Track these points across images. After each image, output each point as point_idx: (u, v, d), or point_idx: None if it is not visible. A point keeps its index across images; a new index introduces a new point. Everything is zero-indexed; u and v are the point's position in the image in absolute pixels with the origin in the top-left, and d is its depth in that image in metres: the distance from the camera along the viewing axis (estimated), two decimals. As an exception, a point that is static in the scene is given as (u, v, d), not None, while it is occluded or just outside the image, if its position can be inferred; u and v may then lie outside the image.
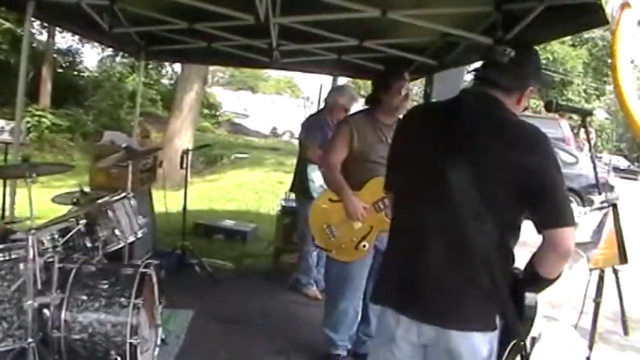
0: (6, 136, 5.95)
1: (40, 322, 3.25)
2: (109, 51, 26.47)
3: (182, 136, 13.97)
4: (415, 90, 19.45)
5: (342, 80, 12.34)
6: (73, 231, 3.75)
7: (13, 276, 3.23)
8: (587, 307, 3.41)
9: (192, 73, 14.42)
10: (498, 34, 4.61)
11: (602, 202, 3.26)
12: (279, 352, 4.49)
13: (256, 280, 6.33)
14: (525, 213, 2.19)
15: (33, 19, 5.10)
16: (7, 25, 20.14)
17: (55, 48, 23.89)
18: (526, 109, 2.37)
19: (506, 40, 2.48)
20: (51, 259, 3.32)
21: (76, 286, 3.35)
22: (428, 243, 2.20)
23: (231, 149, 21.39)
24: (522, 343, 2.19)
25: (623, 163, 33.90)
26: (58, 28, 20.31)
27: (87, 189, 5.22)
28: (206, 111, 27.28)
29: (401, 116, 2.68)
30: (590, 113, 3.45)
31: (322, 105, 6.27)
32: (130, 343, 3.28)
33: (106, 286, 3.38)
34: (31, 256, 3.16)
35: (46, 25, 20.86)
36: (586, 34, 34.44)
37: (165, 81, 29.89)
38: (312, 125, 5.78)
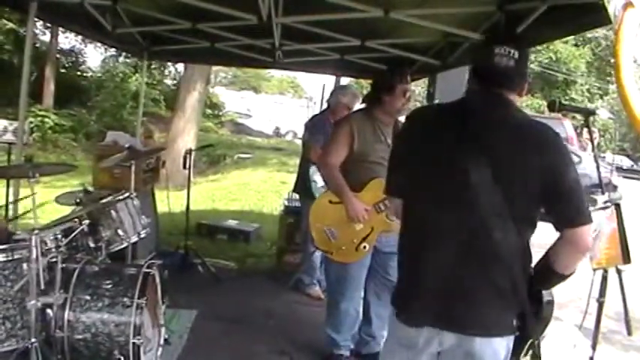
0: (9, 137, 5.95)
1: (43, 322, 3.26)
2: (112, 51, 26.51)
3: (185, 136, 13.98)
4: (418, 90, 19.47)
5: (344, 80, 12.35)
6: (77, 231, 3.75)
7: (17, 276, 3.24)
8: (590, 307, 3.41)
9: (195, 73, 14.42)
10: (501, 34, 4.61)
11: (606, 202, 3.25)
12: (282, 352, 4.48)
13: (259, 280, 6.33)
14: (541, 213, 2.18)
15: (36, 19, 5.11)
16: (10, 25, 20.23)
17: (58, 48, 23.94)
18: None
19: (495, 37, 2.38)
20: (54, 259, 3.33)
21: (79, 286, 3.35)
22: (449, 247, 2.15)
23: (234, 149, 21.40)
24: (537, 341, 2.20)
25: (626, 162, 33.83)
26: (60, 29, 20.38)
27: (90, 189, 5.22)
28: (209, 111, 27.28)
29: (403, 117, 2.61)
30: (593, 113, 3.44)
31: (325, 105, 6.26)
32: (133, 343, 3.28)
33: (109, 286, 3.39)
34: (34, 256, 3.17)
35: (49, 25, 20.90)
36: (589, 34, 34.34)
37: (168, 81, 29.91)
38: (315, 126, 5.77)
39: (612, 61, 1.58)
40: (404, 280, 2.34)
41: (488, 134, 2.14)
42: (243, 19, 5.11)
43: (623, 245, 3.13)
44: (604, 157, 26.39)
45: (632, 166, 34.19)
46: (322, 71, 8.62)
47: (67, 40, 26.06)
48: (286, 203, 6.97)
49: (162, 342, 3.90)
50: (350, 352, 4.33)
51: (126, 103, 21.88)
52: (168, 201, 6.72)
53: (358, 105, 5.63)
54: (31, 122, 16.82)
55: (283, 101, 40.25)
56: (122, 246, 4.23)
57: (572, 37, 30.55)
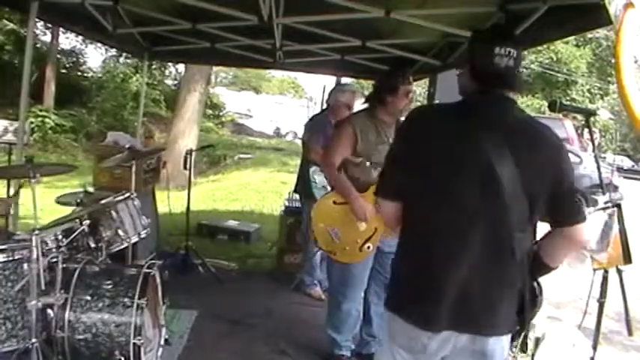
0: (10, 137, 5.96)
1: (44, 322, 3.26)
2: (113, 51, 26.50)
3: (186, 137, 13.99)
4: (418, 91, 19.45)
5: (345, 81, 12.35)
6: (77, 231, 3.75)
7: (17, 276, 3.24)
8: (591, 307, 3.41)
9: (196, 73, 14.44)
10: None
11: (606, 203, 3.25)
12: (283, 352, 4.49)
13: (260, 281, 6.33)
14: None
15: (37, 19, 5.11)
16: (11, 25, 20.25)
17: (59, 49, 23.94)
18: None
19: (494, 36, 2.34)
20: (55, 260, 3.33)
21: (80, 287, 3.35)
22: (467, 248, 2.13)
23: (235, 150, 21.42)
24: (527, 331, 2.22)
25: (627, 163, 33.82)
26: (61, 29, 20.39)
27: (90, 189, 5.23)
28: (209, 111, 27.31)
29: (402, 118, 2.53)
30: (593, 113, 3.44)
31: (325, 105, 6.26)
32: (134, 344, 3.28)
33: (110, 287, 3.39)
34: (34, 256, 3.17)
35: (49, 25, 20.93)
36: (590, 34, 34.35)
37: (168, 81, 29.92)
38: (315, 126, 5.77)
39: (613, 61, 1.58)
40: (412, 283, 2.26)
41: (502, 135, 2.13)
42: (244, 20, 5.11)
43: (624, 245, 3.13)
44: (605, 158, 26.40)
45: (633, 166, 34.17)
46: (323, 72, 8.61)
47: (68, 40, 26.10)
48: (287, 203, 6.97)
49: (162, 342, 3.90)
50: (351, 353, 4.33)
51: (126, 104, 21.90)
52: (169, 201, 6.72)
53: (359, 104, 5.63)
54: (32, 122, 16.85)
55: (284, 101, 40.30)
56: (122, 246, 4.23)
57: (573, 37, 30.52)
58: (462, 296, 2.14)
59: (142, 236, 4.45)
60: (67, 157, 17.48)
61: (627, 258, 3.14)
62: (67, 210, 4.53)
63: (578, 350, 4.22)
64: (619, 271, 3.23)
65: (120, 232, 4.18)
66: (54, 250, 3.49)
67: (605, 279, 3.29)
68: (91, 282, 3.40)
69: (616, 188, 10.79)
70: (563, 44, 35.00)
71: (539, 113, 29.24)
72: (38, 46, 21.73)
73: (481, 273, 2.14)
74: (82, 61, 27.66)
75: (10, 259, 3.24)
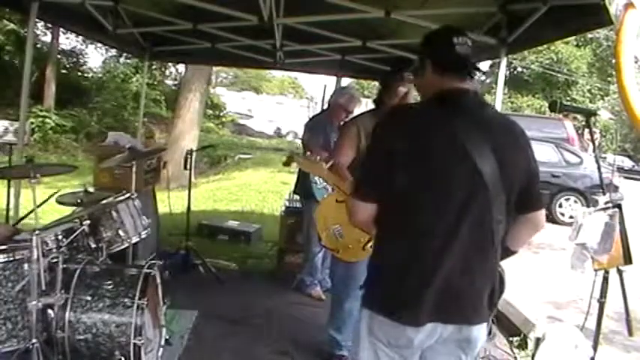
0: (10, 137, 5.96)
1: (44, 322, 3.26)
2: (113, 52, 26.58)
3: (186, 137, 13.99)
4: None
5: (345, 81, 12.34)
6: (77, 232, 3.75)
7: (18, 276, 3.24)
8: (591, 307, 3.41)
9: (196, 73, 14.44)
10: (502, 34, 4.62)
11: (607, 203, 3.25)
12: (283, 352, 4.49)
13: (260, 281, 6.33)
14: None
15: (37, 20, 5.11)
16: (12, 26, 20.28)
17: (59, 49, 23.98)
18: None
19: (449, 27, 2.41)
20: (55, 260, 3.33)
21: (80, 287, 3.35)
22: (454, 242, 2.15)
23: (235, 150, 21.44)
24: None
25: (627, 163, 33.80)
26: (62, 29, 20.41)
27: (91, 189, 5.22)
28: (210, 112, 27.33)
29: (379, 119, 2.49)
30: (594, 113, 3.44)
31: (326, 106, 6.27)
32: (134, 344, 3.28)
33: (110, 287, 3.39)
34: (35, 256, 3.17)
35: (50, 26, 20.97)
36: (590, 34, 34.36)
37: (169, 82, 29.97)
38: (315, 126, 5.77)
39: (613, 61, 1.59)
40: (398, 281, 2.24)
41: (482, 131, 2.19)
42: (245, 20, 5.12)
43: (625, 246, 3.13)
44: (605, 158, 26.39)
45: (633, 166, 34.15)
46: (323, 72, 8.62)
47: (68, 40, 26.15)
48: (287, 204, 6.97)
49: (163, 342, 3.90)
50: (351, 353, 4.33)
51: (127, 104, 21.94)
52: (169, 201, 6.72)
53: (358, 108, 5.64)
54: (32, 123, 16.86)
55: (284, 102, 40.36)
56: (123, 246, 4.23)
57: (574, 37, 30.54)
58: (449, 289, 2.17)
59: (143, 236, 4.45)
60: (68, 158, 17.50)
61: (627, 258, 3.14)
62: (67, 210, 4.53)
63: (579, 350, 4.22)
64: (619, 272, 3.23)
65: (120, 232, 4.18)
66: (54, 250, 3.49)
67: (605, 279, 3.29)
68: (91, 282, 3.40)
69: (616, 188, 10.81)
70: (563, 44, 34.99)
71: (539, 113, 29.27)
72: (38, 46, 21.77)
73: (467, 266, 2.18)
74: (82, 61, 27.76)
75: (11, 259, 3.24)
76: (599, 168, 3.54)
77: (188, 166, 6.49)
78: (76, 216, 4.01)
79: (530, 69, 36.96)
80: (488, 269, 2.26)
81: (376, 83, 4.36)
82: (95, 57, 45.54)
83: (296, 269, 6.29)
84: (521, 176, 2.25)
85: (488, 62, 29.54)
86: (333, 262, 4.37)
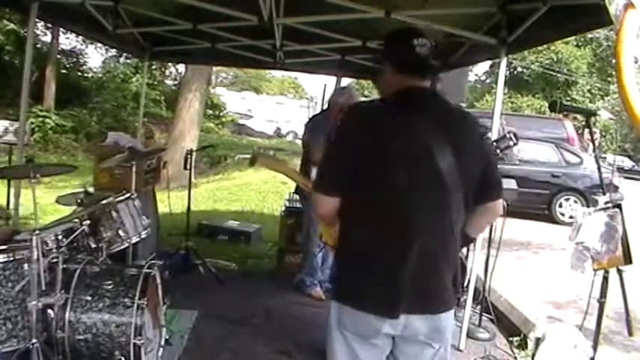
0: (10, 137, 5.97)
1: (44, 322, 3.26)
2: (113, 52, 26.63)
3: (186, 137, 13.99)
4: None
5: (345, 81, 12.34)
6: (77, 232, 3.76)
7: (18, 276, 3.24)
8: (591, 307, 3.41)
9: (196, 73, 14.44)
10: (503, 34, 4.62)
11: (607, 203, 3.26)
12: (283, 352, 4.49)
13: (260, 281, 6.33)
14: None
15: (37, 19, 5.11)
16: (12, 26, 20.28)
17: (59, 49, 23.98)
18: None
19: (407, 30, 2.50)
20: (55, 260, 3.33)
21: (80, 287, 3.35)
22: (420, 233, 2.22)
23: (235, 150, 21.41)
24: None
25: (627, 163, 33.79)
26: (62, 29, 20.40)
27: (91, 189, 5.23)
28: (210, 112, 27.33)
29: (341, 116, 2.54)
30: (594, 113, 3.45)
31: (326, 105, 6.27)
32: (134, 344, 3.28)
33: (110, 287, 3.39)
34: (35, 256, 3.17)
35: (50, 26, 20.97)
36: (590, 34, 34.39)
37: (169, 82, 29.99)
38: (315, 126, 5.77)
39: (613, 61, 1.59)
40: (365, 273, 2.29)
41: (439, 125, 2.29)
42: (244, 20, 5.11)
43: (625, 246, 3.13)
44: (605, 158, 26.38)
45: (633, 166, 34.14)
46: (323, 72, 8.61)
47: (68, 40, 26.16)
48: (287, 204, 6.97)
49: (163, 342, 3.90)
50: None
51: (127, 104, 21.94)
52: (169, 201, 6.73)
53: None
54: (32, 123, 16.86)
55: (284, 102, 40.32)
56: (123, 246, 4.24)
57: (574, 37, 30.55)
58: (417, 281, 2.22)
59: (143, 236, 4.45)
60: (68, 158, 17.50)
61: (627, 258, 3.14)
62: (67, 210, 4.53)
63: (579, 350, 4.22)
64: (619, 272, 3.23)
65: (120, 232, 4.18)
66: (54, 250, 3.49)
67: (605, 279, 3.29)
68: (91, 282, 3.40)
69: (616, 188, 10.81)
70: (563, 44, 35.02)
71: (539, 113, 29.26)
72: (38, 46, 21.77)
73: (431, 256, 2.25)
74: (82, 61, 27.77)
75: (11, 259, 3.24)
76: (599, 168, 3.54)
77: (188, 166, 6.49)
78: (76, 216, 4.01)
79: (530, 69, 36.98)
80: (450, 259, 2.33)
81: (376, 83, 4.36)
82: (95, 57, 45.61)
83: (296, 269, 6.29)
84: (478, 169, 2.34)
85: (488, 62, 29.57)
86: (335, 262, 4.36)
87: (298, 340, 4.70)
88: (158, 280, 3.75)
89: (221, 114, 31.39)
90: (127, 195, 4.45)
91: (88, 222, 3.87)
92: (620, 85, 1.59)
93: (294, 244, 6.66)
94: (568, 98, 34.75)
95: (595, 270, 3.28)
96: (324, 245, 4.66)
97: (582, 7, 3.72)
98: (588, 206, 3.50)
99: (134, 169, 4.86)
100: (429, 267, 2.25)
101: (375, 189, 2.27)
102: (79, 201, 4.40)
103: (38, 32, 22.10)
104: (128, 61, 25.05)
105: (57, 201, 4.67)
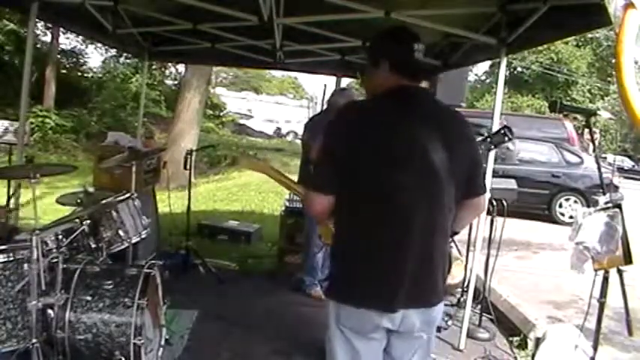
0: (10, 137, 5.97)
1: (44, 322, 3.26)
2: (113, 52, 26.61)
3: (186, 137, 13.97)
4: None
5: (345, 81, 12.32)
6: (77, 232, 3.75)
7: (18, 276, 3.24)
8: (592, 307, 3.41)
9: (196, 73, 14.42)
10: (502, 34, 4.62)
11: (607, 203, 3.26)
12: (283, 352, 4.49)
13: (260, 281, 6.33)
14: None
15: (37, 19, 5.11)
16: (11, 26, 20.26)
17: (59, 49, 23.97)
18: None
19: (407, 33, 2.55)
20: (55, 260, 3.33)
21: (80, 287, 3.36)
22: (416, 228, 2.27)
23: (235, 150, 21.40)
24: None
25: (627, 163, 33.82)
26: (62, 29, 20.41)
27: (91, 189, 5.22)
28: (210, 112, 27.31)
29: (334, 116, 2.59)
30: (594, 113, 3.45)
31: (326, 106, 6.27)
32: (134, 344, 3.28)
33: (110, 287, 3.39)
34: (35, 256, 3.17)
35: (50, 26, 20.97)
36: (590, 34, 34.41)
37: (168, 82, 29.94)
38: (315, 126, 5.77)
39: (613, 61, 1.59)
40: (364, 270, 2.33)
41: (431, 123, 2.36)
42: (244, 20, 5.11)
43: (625, 246, 3.13)
44: (605, 158, 26.39)
45: (634, 166, 34.17)
46: (323, 72, 8.61)
47: (68, 40, 26.15)
48: (287, 204, 6.97)
49: (163, 342, 3.90)
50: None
51: (127, 104, 21.92)
52: (169, 201, 6.73)
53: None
54: (32, 123, 16.85)
55: (284, 102, 40.32)
56: (123, 246, 4.23)
57: (574, 37, 30.55)
58: (414, 276, 2.28)
59: (143, 236, 4.45)
60: (68, 158, 17.49)
61: (627, 258, 3.15)
62: (67, 210, 4.53)
63: (578, 350, 4.22)
64: (619, 272, 3.23)
65: (120, 232, 4.18)
66: (54, 250, 3.49)
67: (605, 279, 3.29)
68: (91, 282, 3.40)
69: (616, 188, 10.81)
70: (563, 44, 35.03)
71: (539, 113, 29.26)
72: (38, 46, 21.76)
73: (426, 252, 2.31)
74: (82, 61, 27.75)
75: (11, 259, 3.24)
76: (599, 168, 3.54)
77: (188, 166, 6.49)
78: (76, 216, 4.01)
79: (530, 69, 36.98)
80: (442, 253, 2.39)
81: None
82: (95, 57, 45.50)
83: (296, 269, 6.29)
84: (467, 165, 2.41)
85: (488, 62, 29.56)
86: None
87: (298, 340, 4.70)
88: (158, 280, 3.76)
89: (221, 114, 31.38)
90: (127, 195, 4.45)
91: (88, 222, 3.86)
92: (620, 85, 1.59)
93: (294, 244, 6.66)
94: (568, 98, 34.77)
95: (595, 270, 3.29)
96: (323, 245, 4.66)
97: (582, 7, 3.71)
98: (588, 206, 3.49)
99: (134, 169, 4.86)
100: (425, 262, 2.31)
101: (372, 186, 2.30)
102: (79, 201, 4.41)
103: (38, 32, 22.10)
104: (128, 61, 25.04)
105: (57, 201, 4.68)
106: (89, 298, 3.33)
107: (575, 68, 36.77)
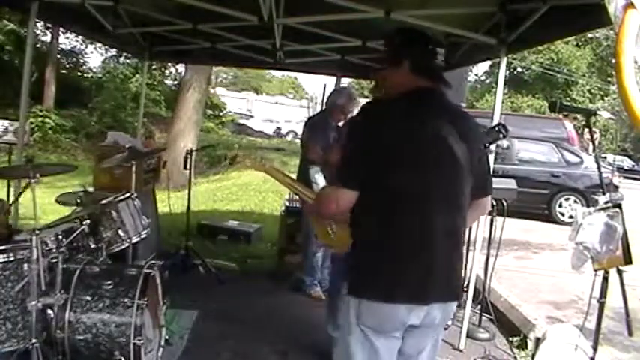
0: (10, 137, 5.95)
1: (44, 322, 3.26)
2: (113, 52, 26.65)
3: (186, 137, 13.98)
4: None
5: (345, 81, 12.32)
6: (77, 231, 3.75)
7: (18, 276, 3.23)
8: (591, 307, 3.40)
9: (196, 73, 14.42)
10: (502, 34, 4.62)
11: (607, 203, 3.26)
12: (283, 352, 4.49)
13: (260, 281, 6.33)
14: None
15: (37, 19, 5.11)
16: (12, 26, 20.28)
17: (59, 49, 24.00)
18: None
19: (429, 37, 2.60)
20: (55, 260, 3.33)
21: (80, 287, 3.35)
22: (443, 225, 2.35)
23: (235, 150, 21.41)
24: None
25: (627, 163, 33.82)
26: (62, 29, 20.41)
27: (91, 189, 5.23)
28: (210, 112, 27.34)
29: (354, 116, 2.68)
30: (594, 113, 3.44)
31: (325, 106, 6.27)
32: (134, 344, 3.28)
33: (110, 287, 3.38)
34: (35, 256, 3.17)
35: (50, 26, 20.98)
36: (590, 34, 34.40)
37: (168, 82, 29.97)
38: (315, 126, 5.77)
39: (613, 61, 1.59)
40: (394, 265, 2.35)
41: (452, 123, 2.42)
42: (244, 20, 5.11)
43: (625, 246, 3.13)
44: (605, 158, 26.38)
45: (633, 166, 34.17)
46: (323, 72, 8.60)
47: (68, 40, 26.20)
48: (287, 204, 6.97)
49: (162, 342, 3.90)
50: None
51: (126, 104, 21.94)
52: (169, 201, 6.73)
53: (357, 107, 5.62)
54: (32, 123, 16.86)
55: (284, 102, 40.36)
56: (123, 246, 4.24)
57: (574, 37, 30.57)
58: (439, 269, 2.36)
59: (143, 236, 4.45)
60: (68, 158, 17.50)
61: (627, 258, 3.15)
62: (67, 210, 4.53)
63: (578, 350, 4.22)
64: (619, 272, 3.23)
65: (120, 232, 4.18)
66: (54, 250, 3.48)
67: (605, 279, 3.29)
68: (91, 282, 3.40)
69: (616, 188, 10.80)
70: (563, 44, 35.04)
71: (539, 113, 29.26)
72: (38, 46, 21.79)
73: (451, 248, 2.41)
74: (82, 61, 27.81)
75: (11, 259, 3.24)
76: (599, 168, 3.54)
77: (188, 166, 6.49)
78: (76, 216, 4.01)
79: (530, 69, 36.99)
80: (461, 250, 2.49)
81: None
82: (95, 57, 45.54)
83: (296, 269, 6.29)
84: (480, 164, 2.51)
85: (488, 62, 29.56)
86: (334, 261, 4.37)
87: (298, 340, 4.70)
88: (158, 280, 3.75)
89: (221, 114, 31.39)
90: (127, 195, 4.45)
91: (88, 222, 3.87)
92: (620, 85, 1.58)
93: (293, 244, 6.67)
94: (568, 98, 34.79)
95: (595, 270, 3.28)
96: (320, 245, 4.66)
97: (582, 7, 3.71)
98: (588, 206, 3.49)
99: (134, 169, 4.86)
100: (449, 258, 2.40)
101: (397, 184, 2.34)
102: (78, 201, 4.40)
103: (38, 32, 22.12)
104: (128, 61, 25.05)
105: (57, 201, 4.67)
106: (89, 298, 3.33)
107: (575, 68, 36.78)
